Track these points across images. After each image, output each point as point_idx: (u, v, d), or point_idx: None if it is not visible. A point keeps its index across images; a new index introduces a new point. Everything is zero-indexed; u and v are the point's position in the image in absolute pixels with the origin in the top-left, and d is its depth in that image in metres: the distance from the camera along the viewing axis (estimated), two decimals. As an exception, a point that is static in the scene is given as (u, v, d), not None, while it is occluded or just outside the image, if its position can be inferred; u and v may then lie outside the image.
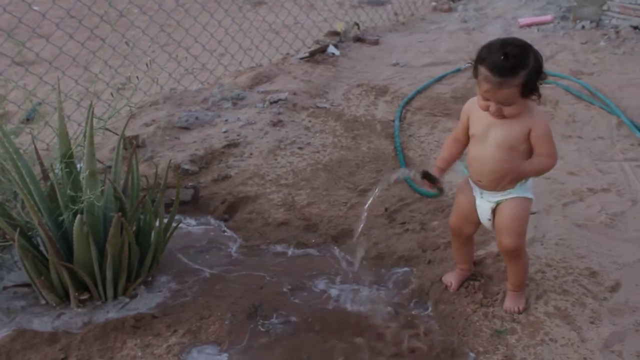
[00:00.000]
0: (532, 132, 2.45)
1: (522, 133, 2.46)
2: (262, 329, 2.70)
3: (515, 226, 2.57)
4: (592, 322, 2.64)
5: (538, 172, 2.53)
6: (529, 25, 6.99)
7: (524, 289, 2.76)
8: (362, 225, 2.84)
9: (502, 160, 2.50)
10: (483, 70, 2.36)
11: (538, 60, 2.35)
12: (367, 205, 2.76)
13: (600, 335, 2.57)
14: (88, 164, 2.69)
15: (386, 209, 3.49)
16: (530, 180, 2.61)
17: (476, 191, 2.66)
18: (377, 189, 2.74)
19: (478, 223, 2.76)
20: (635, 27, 6.47)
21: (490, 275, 2.92)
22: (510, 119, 2.44)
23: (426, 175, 2.61)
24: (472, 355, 2.51)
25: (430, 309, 2.81)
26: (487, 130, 2.52)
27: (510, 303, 2.73)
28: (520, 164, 2.49)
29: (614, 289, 2.83)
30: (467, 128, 2.62)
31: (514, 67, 2.30)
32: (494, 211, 2.63)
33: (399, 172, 2.69)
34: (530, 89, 2.37)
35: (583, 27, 6.75)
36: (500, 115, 2.42)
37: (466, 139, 2.65)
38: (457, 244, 2.87)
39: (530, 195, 2.61)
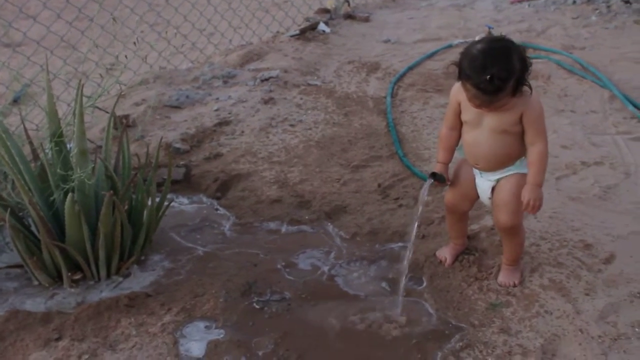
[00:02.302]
0: (524, 116, 2.44)
1: (515, 117, 2.45)
2: (256, 306, 2.69)
3: (514, 203, 2.55)
4: (587, 294, 2.64)
5: (543, 167, 2.50)
6: (520, 1, 6.96)
7: (519, 263, 2.75)
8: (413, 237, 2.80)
9: (499, 145, 2.51)
10: (470, 88, 2.33)
11: (522, 59, 2.33)
12: (415, 220, 2.74)
13: (595, 306, 2.57)
14: (78, 142, 2.67)
15: (379, 185, 3.48)
16: None
17: (475, 171, 2.65)
18: (419, 208, 2.71)
19: (475, 200, 2.76)
20: (626, 2, 6.45)
21: (485, 249, 2.92)
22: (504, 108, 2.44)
23: (435, 177, 2.63)
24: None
25: (425, 283, 2.81)
26: (480, 117, 2.51)
27: (505, 277, 2.72)
28: (533, 185, 2.47)
29: (608, 261, 2.83)
30: (458, 114, 2.60)
31: (501, 87, 2.28)
32: (493, 189, 2.62)
33: (425, 185, 2.67)
34: (520, 87, 2.36)
35: (574, 1, 6.73)
36: (494, 110, 2.43)
37: (460, 124, 2.64)
38: (452, 220, 2.86)
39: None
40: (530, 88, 2.41)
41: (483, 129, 2.52)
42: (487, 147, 2.54)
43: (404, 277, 2.68)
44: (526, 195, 2.47)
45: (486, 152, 2.55)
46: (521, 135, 2.50)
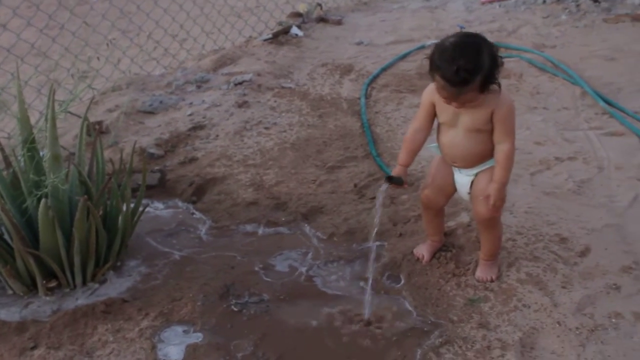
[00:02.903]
0: (494, 114, 2.46)
1: (486, 115, 2.47)
2: (234, 309, 2.67)
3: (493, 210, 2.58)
4: (563, 287, 2.66)
5: (509, 166, 2.52)
6: (491, 2, 7.00)
7: (497, 258, 2.77)
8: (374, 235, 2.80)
9: (474, 143, 2.53)
10: (439, 79, 2.35)
11: (492, 56, 2.35)
12: (376, 219, 2.74)
13: (572, 299, 2.59)
14: (51, 147, 2.64)
15: (355, 185, 3.48)
16: None
17: (454, 167, 2.66)
18: (377, 211, 2.73)
19: (450, 195, 2.77)
20: (595, 1, 6.51)
21: (462, 245, 2.93)
22: (476, 106, 2.46)
23: (391, 180, 2.62)
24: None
25: (403, 281, 2.81)
26: (456, 117, 2.53)
27: (483, 272, 2.73)
28: (497, 184, 2.50)
29: (583, 254, 2.85)
30: (430, 115, 2.61)
31: (467, 79, 2.30)
32: (472, 183, 2.63)
33: (381, 189, 2.67)
34: (488, 85, 2.38)
35: (544, 1, 6.78)
36: (463, 107, 2.45)
37: (429, 126, 2.65)
38: (428, 216, 2.86)
39: None
40: (499, 86, 2.43)
41: (458, 130, 2.54)
42: (463, 147, 2.56)
43: (370, 279, 2.68)
44: (490, 192, 2.51)
45: (463, 151, 2.57)
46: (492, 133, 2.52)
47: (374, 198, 3.35)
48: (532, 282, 2.69)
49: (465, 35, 2.43)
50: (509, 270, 2.76)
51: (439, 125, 2.63)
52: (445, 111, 2.54)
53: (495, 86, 2.41)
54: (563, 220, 3.10)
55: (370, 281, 2.68)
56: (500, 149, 2.50)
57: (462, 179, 2.65)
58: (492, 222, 2.64)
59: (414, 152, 2.68)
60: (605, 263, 2.79)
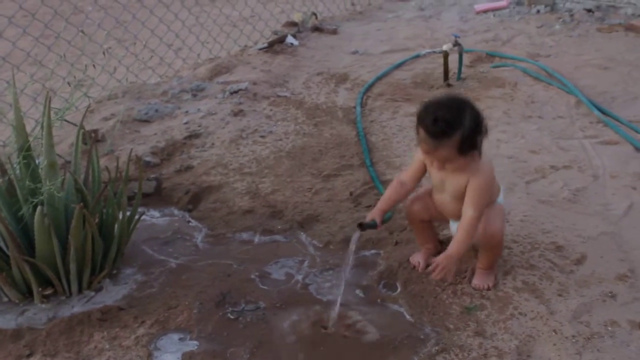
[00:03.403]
0: (469, 181, 2.51)
1: (466, 182, 2.52)
2: (231, 316, 2.67)
3: (497, 229, 2.63)
4: (560, 295, 2.66)
5: (467, 237, 2.53)
6: (485, 11, 7.04)
7: (494, 268, 2.77)
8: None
9: (461, 205, 2.56)
10: (421, 131, 2.42)
11: (475, 119, 2.40)
12: (347, 269, 2.74)
13: (568, 307, 2.59)
14: (47, 154, 2.64)
15: (351, 193, 3.48)
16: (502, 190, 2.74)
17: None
18: (349, 257, 2.73)
19: (434, 215, 2.82)
20: (589, 10, 6.57)
21: (458, 253, 2.93)
22: (458, 171, 2.51)
23: (362, 228, 2.66)
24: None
25: (399, 289, 2.81)
26: (443, 182, 2.62)
27: (480, 280, 2.74)
28: (449, 254, 2.52)
29: (579, 262, 2.86)
30: (419, 172, 2.67)
31: (444, 131, 2.35)
32: None
33: (353, 238, 2.70)
34: (468, 147, 2.42)
35: (538, 11, 6.83)
36: (443, 168, 2.51)
37: (415, 182, 2.72)
38: (416, 228, 2.90)
39: (500, 200, 2.72)
40: (480, 155, 2.48)
41: (446, 195, 2.65)
42: (452, 209, 2.67)
43: (337, 305, 2.64)
44: (439, 260, 2.53)
45: (452, 211, 2.68)
46: None
47: (370, 206, 3.35)
48: (528, 290, 2.69)
49: (454, 95, 2.55)
50: (505, 279, 2.76)
51: (431, 186, 2.73)
52: (434, 175, 2.62)
53: (476, 153, 2.46)
54: (559, 228, 3.10)
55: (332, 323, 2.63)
56: (464, 216, 2.53)
57: (454, 225, 2.72)
58: (496, 244, 2.67)
59: (394, 202, 2.75)
60: (601, 271, 2.79)
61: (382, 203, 2.73)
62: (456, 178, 2.55)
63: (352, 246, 2.68)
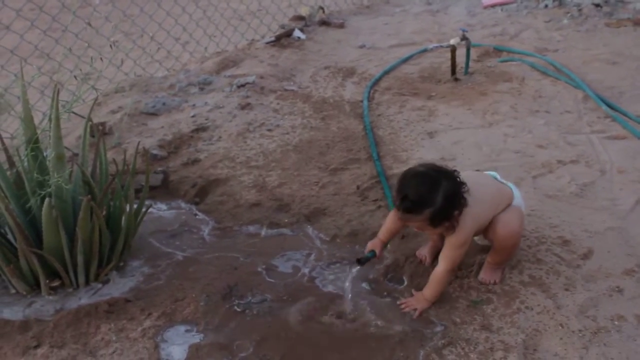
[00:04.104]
0: (446, 238, 2.56)
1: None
2: (237, 309, 2.67)
3: (516, 232, 2.68)
4: (566, 289, 2.66)
5: (438, 287, 2.60)
6: (493, 6, 7.02)
7: (505, 264, 2.77)
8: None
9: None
10: (396, 201, 2.46)
11: (448, 196, 2.40)
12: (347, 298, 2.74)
13: (575, 301, 2.59)
14: (55, 147, 2.64)
15: (358, 187, 3.48)
16: (517, 191, 2.76)
17: None
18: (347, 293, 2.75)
19: None
20: (597, 5, 6.53)
21: (464, 247, 2.93)
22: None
23: (360, 262, 2.69)
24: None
25: (406, 282, 2.81)
26: None
27: (487, 275, 2.73)
28: (422, 296, 2.61)
29: (586, 256, 2.85)
30: None
31: (412, 209, 2.40)
32: None
33: (351, 273, 2.77)
34: (440, 220, 2.44)
35: (546, 5, 6.80)
36: (422, 231, 2.62)
37: None
38: None
39: (518, 203, 2.74)
40: (454, 227, 2.48)
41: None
42: None
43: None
44: (412, 300, 2.63)
45: None
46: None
47: (376, 200, 3.36)
48: (535, 285, 2.69)
49: (431, 170, 2.48)
50: (512, 273, 2.76)
51: None
52: None
53: (450, 224, 2.47)
54: (566, 223, 3.10)
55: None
56: (436, 269, 2.60)
57: None
58: (511, 245, 2.69)
59: (393, 233, 2.80)
60: (608, 266, 2.79)
61: (382, 233, 2.78)
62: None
63: (348, 281, 2.74)
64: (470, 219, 2.51)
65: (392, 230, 2.77)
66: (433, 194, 2.38)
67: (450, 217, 2.44)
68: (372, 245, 2.75)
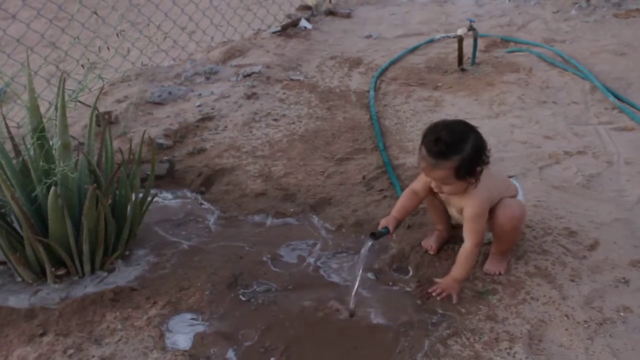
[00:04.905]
0: (464, 212, 2.56)
1: (461, 207, 2.58)
2: (242, 298, 2.68)
3: (517, 220, 2.66)
4: (572, 280, 2.65)
5: (468, 265, 2.59)
6: (501, -4, 6.98)
7: (508, 255, 2.76)
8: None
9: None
10: (422, 149, 2.44)
11: (477, 147, 2.42)
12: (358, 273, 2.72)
13: (580, 292, 2.59)
14: (61, 135, 2.64)
15: (364, 177, 3.48)
16: (520, 190, 2.77)
17: None
18: (360, 267, 2.70)
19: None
20: (606, -5, 6.50)
21: (470, 238, 2.92)
22: (454, 195, 2.56)
23: (375, 237, 2.64)
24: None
25: (411, 273, 2.81)
26: (447, 198, 2.66)
27: (492, 266, 2.73)
28: (452, 277, 2.59)
29: (592, 248, 2.84)
30: (428, 184, 2.65)
31: (444, 152, 2.38)
32: None
33: (365, 246, 2.66)
34: (465, 173, 2.43)
35: (554, -4, 6.77)
36: (440, 191, 2.55)
37: (424, 194, 2.72)
38: (430, 205, 2.88)
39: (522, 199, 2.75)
40: (477, 181, 2.48)
41: (452, 207, 2.69)
42: (460, 218, 2.67)
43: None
44: (442, 282, 2.60)
45: (461, 219, 2.68)
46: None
47: (382, 190, 3.36)
48: (540, 275, 2.68)
49: (461, 122, 2.53)
50: (518, 263, 2.75)
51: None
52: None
53: (473, 179, 2.47)
54: (572, 214, 3.09)
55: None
56: (463, 246, 2.59)
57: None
58: (510, 229, 2.66)
59: (407, 210, 2.76)
60: (614, 257, 2.78)
61: (395, 211, 2.75)
62: (457, 199, 2.59)
63: (362, 256, 2.67)
64: (485, 189, 2.52)
65: (407, 207, 2.74)
66: (464, 142, 2.40)
67: (473, 172, 2.44)
68: (386, 221, 2.70)
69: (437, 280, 2.65)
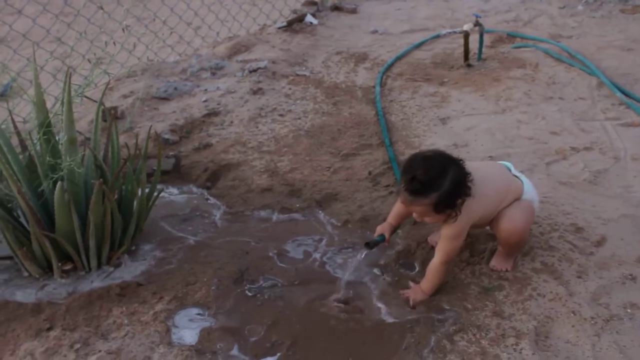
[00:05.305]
0: (442, 228, 2.55)
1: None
2: (248, 293, 2.68)
3: (521, 227, 2.64)
4: (579, 277, 2.64)
5: (434, 280, 2.59)
6: (507, -9, 6.96)
7: (517, 253, 2.76)
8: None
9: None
10: (402, 183, 2.42)
11: (456, 181, 2.39)
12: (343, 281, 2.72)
13: (587, 288, 2.58)
14: (67, 130, 2.64)
15: (370, 173, 3.47)
16: (529, 186, 2.72)
17: None
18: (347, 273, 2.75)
19: None
20: (612, -9, 6.47)
21: (476, 234, 2.91)
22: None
23: (369, 246, 2.67)
24: (461, 312, 2.51)
25: (417, 269, 2.80)
26: None
27: (499, 263, 2.72)
28: (420, 288, 2.61)
29: (599, 244, 2.84)
30: None
31: (419, 191, 2.37)
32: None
33: (358, 256, 2.72)
34: (444, 207, 2.42)
35: (561, -9, 6.75)
36: (422, 221, 2.54)
37: None
38: None
39: (529, 197, 2.70)
40: (456, 214, 2.46)
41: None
42: None
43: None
44: (410, 291, 2.63)
45: None
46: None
47: (388, 185, 3.35)
48: (547, 272, 2.67)
49: (439, 154, 2.46)
50: (524, 260, 2.75)
51: None
52: None
53: (452, 213, 2.45)
54: (579, 210, 3.08)
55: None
56: (432, 261, 2.60)
57: None
58: (515, 241, 2.66)
59: (401, 216, 2.78)
60: (621, 253, 2.78)
61: (390, 218, 2.77)
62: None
63: (353, 263, 2.73)
64: (466, 213, 2.49)
65: (401, 214, 2.76)
66: (441, 178, 2.36)
67: (453, 205, 2.42)
68: (382, 229, 2.74)
69: (411, 284, 2.67)
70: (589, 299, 2.53)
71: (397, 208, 2.76)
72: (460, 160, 2.46)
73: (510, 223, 2.59)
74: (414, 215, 2.52)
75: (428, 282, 2.59)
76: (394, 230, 2.79)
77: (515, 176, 2.74)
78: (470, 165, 2.49)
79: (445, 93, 4.47)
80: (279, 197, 3.33)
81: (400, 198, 2.52)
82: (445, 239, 2.53)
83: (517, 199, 2.66)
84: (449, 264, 2.62)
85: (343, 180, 3.43)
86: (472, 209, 2.50)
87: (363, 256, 2.70)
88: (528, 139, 3.77)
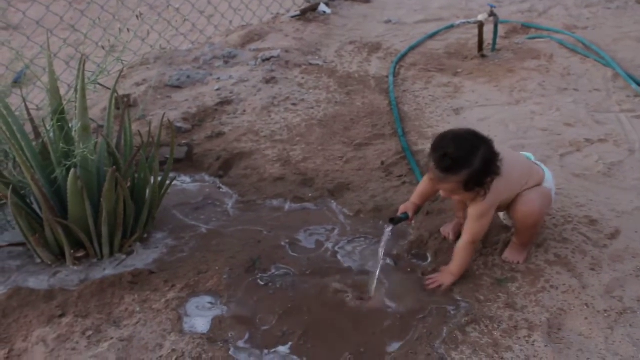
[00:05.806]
0: (469, 209, 2.55)
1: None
2: (260, 282, 2.68)
3: (537, 212, 2.62)
4: (592, 269, 2.63)
5: (462, 260, 2.60)
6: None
7: (528, 246, 2.74)
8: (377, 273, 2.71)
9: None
10: (431, 161, 2.41)
11: (486, 160, 2.38)
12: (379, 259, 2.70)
13: (601, 281, 2.57)
14: (81, 117, 2.64)
15: (382, 163, 3.46)
16: (549, 175, 2.70)
17: None
18: (381, 252, 2.69)
19: None
20: (629, -19, 6.41)
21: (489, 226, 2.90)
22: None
23: (394, 222, 2.66)
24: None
25: (429, 259, 2.80)
26: None
27: (512, 255, 2.72)
28: (447, 271, 2.62)
29: (613, 236, 2.82)
30: None
31: (450, 167, 2.35)
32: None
33: (385, 232, 2.68)
34: (474, 185, 2.41)
35: (576, -18, 6.69)
36: (450, 197, 2.57)
37: None
38: None
39: (549, 186, 2.70)
40: (485, 193, 2.45)
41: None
42: None
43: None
44: (438, 276, 2.62)
45: None
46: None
47: (401, 176, 3.34)
48: (560, 264, 2.66)
49: (470, 132, 2.46)
50: (537, 251, 2.73)
51: None
52: None
53: (481, 191, 2.45)
54: (593, 202, 3.06)
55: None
56: (459, 240, 2.61)
57: None
58: (531, 224, 2.64)
59: (426, 196, 2.78)
60: (635, 246, 2.76)
61: (414, 198, 2.76)
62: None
63: (384, 241, 2.67)
64: (493, 192, 2.48)
65: (425, 193, 2.75)
66: (472, 156, 2.35)
67: (482, 183, 2.41)
68: (405, 207, 2.73)
69: (443, 268, 2.66)
70: (603, 291, 2.52)
71: (421, 187, 2.75)
72: (490, 139, 2.45)
73: (528, 205, 2.59)
74: (442, 192, 2.52)
75: (456, 262, 2.60)
76: (418, 209, 2.78)
77: (537, 164, 2.72)
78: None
79: (459, 83, 4.45)
80: (291, 186, 3.33)
81: (429, 175, 2.51)
82: (472, 219, 2.53)
83: (538, 184, 2.65)
84: (476, 244, 2.63)
85: (356, 170, 3.42)
86: (499, 190, 2.50)
87: (389, 232, 2.65)
88: (542, 130, 3.74)
